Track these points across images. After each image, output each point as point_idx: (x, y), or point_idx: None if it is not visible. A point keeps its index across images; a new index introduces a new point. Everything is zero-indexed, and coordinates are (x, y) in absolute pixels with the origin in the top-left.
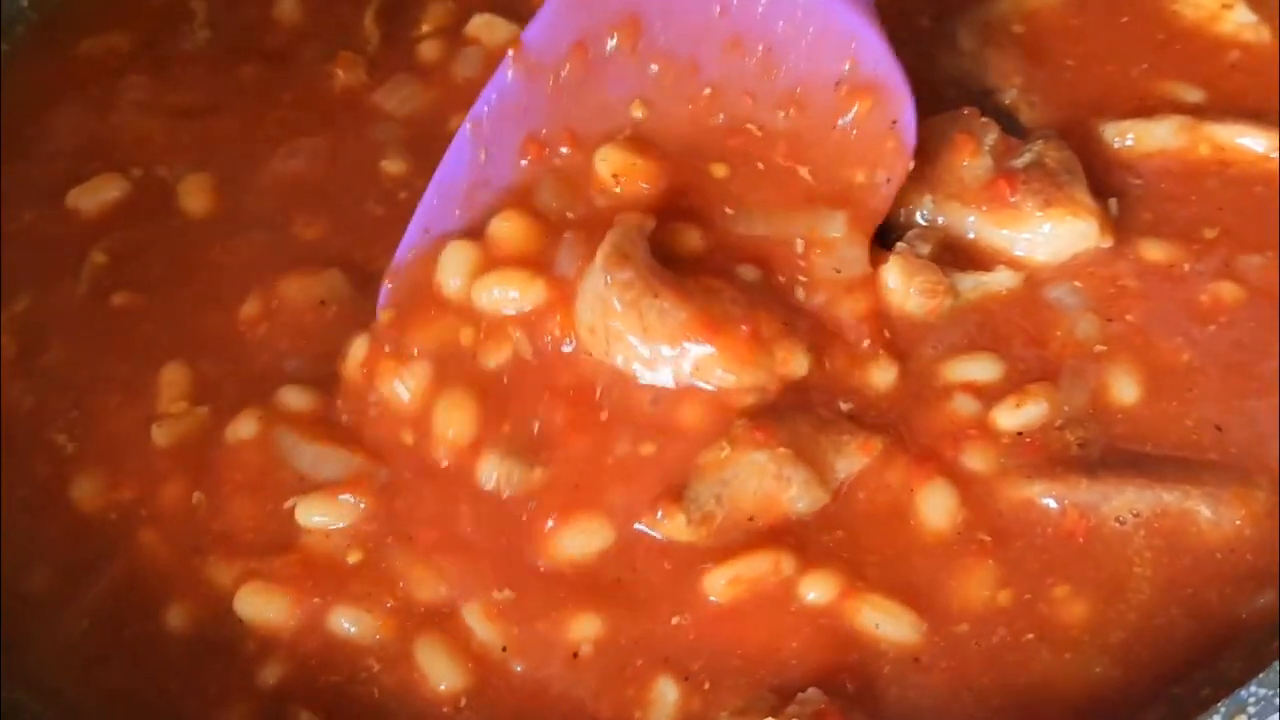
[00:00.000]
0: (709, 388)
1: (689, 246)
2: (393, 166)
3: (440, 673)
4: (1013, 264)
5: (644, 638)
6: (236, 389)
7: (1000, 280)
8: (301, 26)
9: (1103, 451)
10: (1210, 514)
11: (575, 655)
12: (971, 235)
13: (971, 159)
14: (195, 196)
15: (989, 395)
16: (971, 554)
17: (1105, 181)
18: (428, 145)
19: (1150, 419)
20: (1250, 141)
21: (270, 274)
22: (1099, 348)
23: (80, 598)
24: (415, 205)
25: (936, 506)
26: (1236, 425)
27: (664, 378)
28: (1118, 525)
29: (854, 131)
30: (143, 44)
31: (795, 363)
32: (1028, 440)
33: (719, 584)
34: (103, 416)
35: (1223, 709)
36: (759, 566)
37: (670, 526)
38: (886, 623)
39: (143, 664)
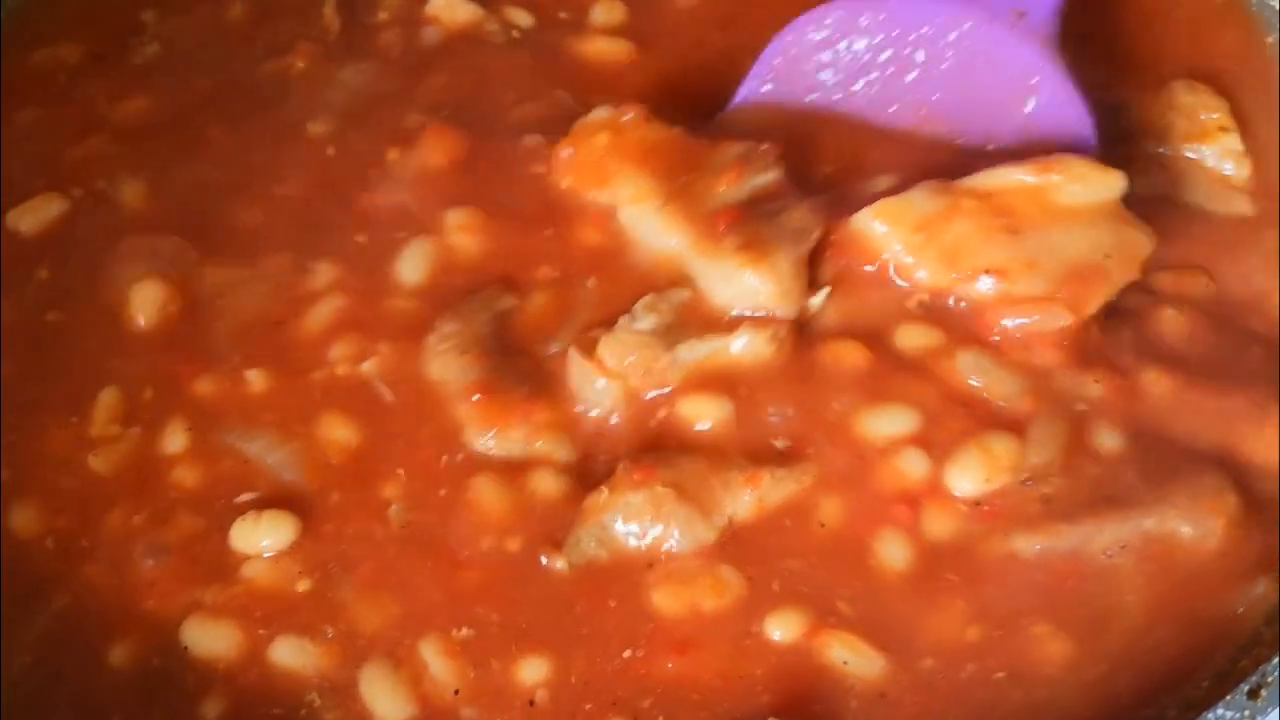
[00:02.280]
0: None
1: None
2: (317, 128)
3: (386, 707)
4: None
5: (595, 678)
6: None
7: (739, 345)
8: (254, 28)
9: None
10: (1191, 530)
11: (531, 703)
12: (685, 260)
13: (729, 186)
14: (133, 201)
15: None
16: (940, 591)
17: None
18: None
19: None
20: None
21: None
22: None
23: (23, 632)
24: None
25: (893, 554)
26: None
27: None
28: (1106, 559)
29: None
30: (92, 56)
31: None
32: (986, 508)
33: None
34: (40, 441)
35: None
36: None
37: (554, 567)
38: (855, 660)
39: (86, 699)
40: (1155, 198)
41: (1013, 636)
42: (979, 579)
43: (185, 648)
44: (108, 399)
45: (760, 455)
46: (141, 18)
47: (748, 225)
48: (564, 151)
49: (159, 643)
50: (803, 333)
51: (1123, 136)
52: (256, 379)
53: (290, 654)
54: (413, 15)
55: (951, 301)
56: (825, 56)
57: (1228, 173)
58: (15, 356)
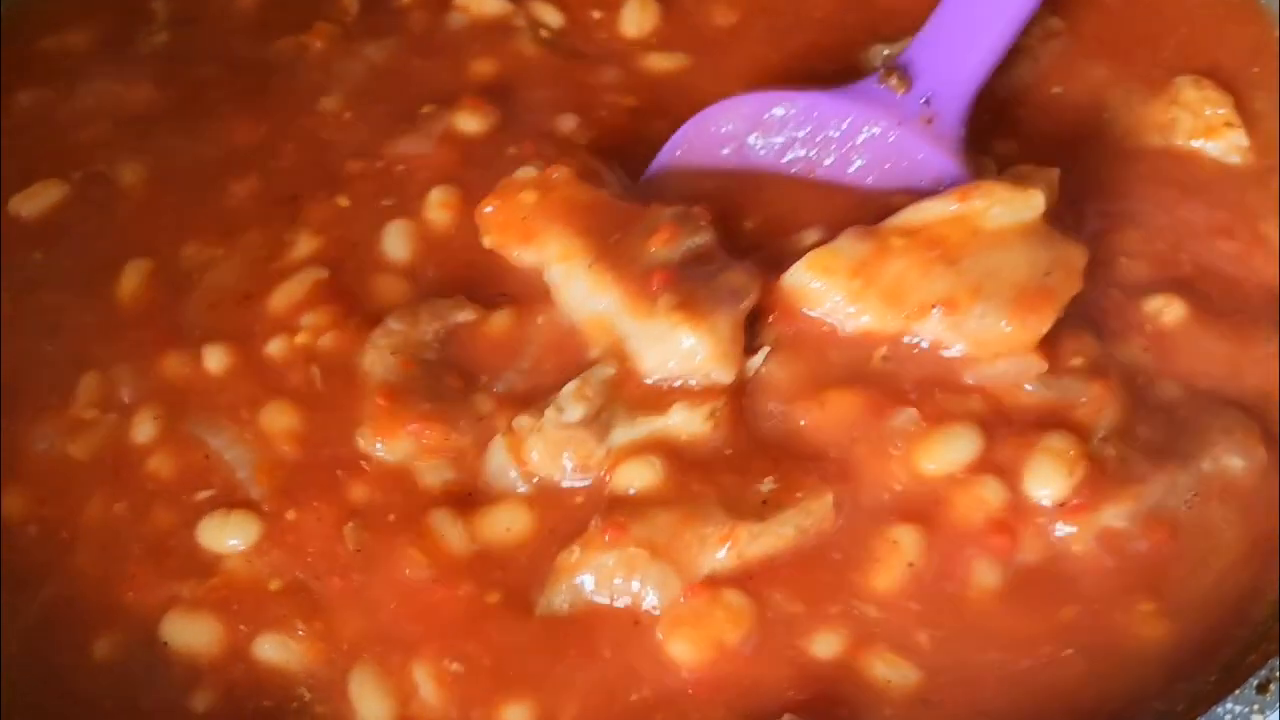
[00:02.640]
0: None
1: None
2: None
3: (369, 707)
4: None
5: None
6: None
7: (676, 421)
8: (269, 14)
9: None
10: (1242, 461)
11: None
12: (616, 321)
13: (661, 247)
14: (131, 183)
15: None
16: (1035, 599)
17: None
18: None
19: None
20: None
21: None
22: None
23: (12, 621)
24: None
25: (985, 580)
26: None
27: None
28: (1187, 510)
29: None
30: (100, 43)
31: None
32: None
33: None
34: (27, 427)
35: None
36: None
37: (528, 631)
38: (898, 676)
39: (74, 688)
40: None
41: (1110, 613)
42: (1076, 573)
43: (165, 643)
44: (89, 383)
45: (739, 506)
46: (151, 6)
47: (683, 285)
48: (486, 208)
49: (141, 636)
50: (745, 400)
51: (1127, 133)
52: (215, 357)
53: (274, 650)
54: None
55: (913, 347)
56: (734, 138)
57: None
58: (7, 340)
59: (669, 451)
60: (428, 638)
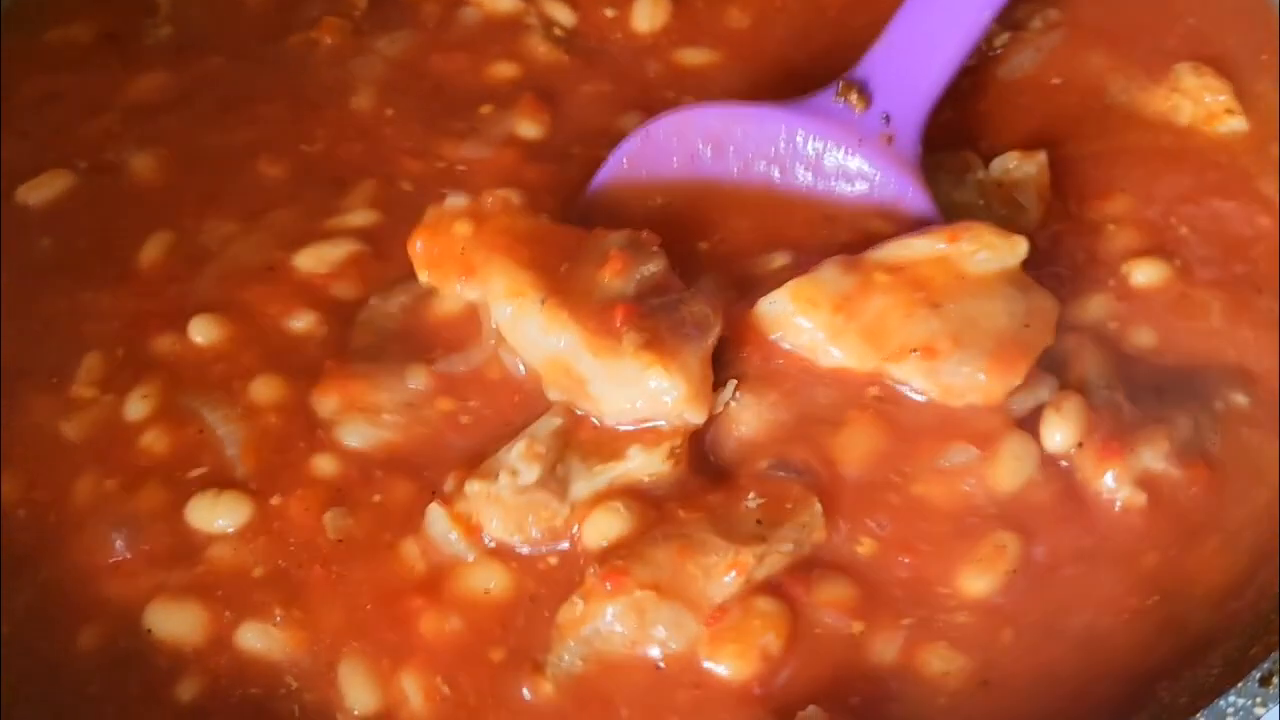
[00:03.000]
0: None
1: None
2: (360, 103)
3: (355, 694)
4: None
5: None
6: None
7: (636, 465)
8: (274, 6)
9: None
10: (1245, 397)
11: None
12: (574, 361)
13: (614, 278)
14: (144, 172)
15: None
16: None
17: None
18: (406, 84)
19: None
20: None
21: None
22: None
23: (7, 605)
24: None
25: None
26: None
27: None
28: (1221, 441)
29: None
30: (104, 36)
31: None
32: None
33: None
34: (24, 410)
35: (1202, 719)
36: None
37: (537, 692)
38: (956, 668)
39: (62, 675)
40: None
41: (1182, 558)
42: (1137, 523)
43: (148, 630)
44: (91, 363)
45: (735, 531)
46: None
47: (646, 321)
48: (416, 243)
49: (126, 624)
50: (708, 430)
51: (1125, 117)
52: (213, 328)
53: (256, 639)
54: None
55: (897, 387)
56: (684, 149)
57: None
58: (9, 323)
59: (634, 495)
60: (415, 650)
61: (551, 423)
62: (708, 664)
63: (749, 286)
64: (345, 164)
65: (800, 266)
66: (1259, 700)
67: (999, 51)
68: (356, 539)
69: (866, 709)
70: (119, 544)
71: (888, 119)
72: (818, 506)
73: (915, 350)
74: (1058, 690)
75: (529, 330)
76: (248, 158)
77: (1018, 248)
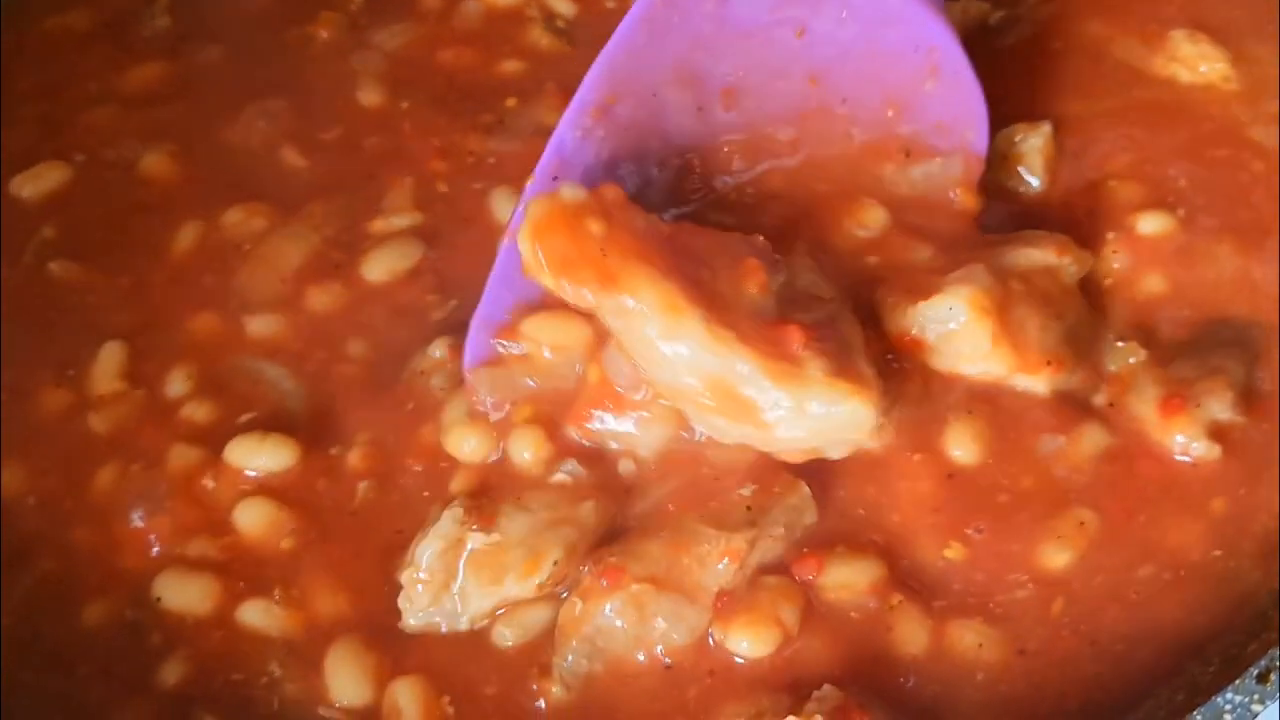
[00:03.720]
0: None
1: None
2: (369, 98)
3: (342, 686)
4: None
5: None
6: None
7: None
8: (272, 1)
9: None
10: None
11: None
12: (744, 387)
13: (760, 291)
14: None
15: None
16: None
17: None
18: (414, 78)
19: None
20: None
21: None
22: None
23: (8, 594)
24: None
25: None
26: None
27: None
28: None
29: None
30: (103, 24)
31: None
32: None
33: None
34: (34, 398)
35: (1199, 716)
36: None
37: (550, 698)
38: (989, 641)
39: (58, 654)
40: None
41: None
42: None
43: (158, 598)
44: (111, 355)
45: (724, 519)
46: None
47: (823, 344)
48: (533, 246)
49: (132, 598)
50: None
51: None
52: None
53: (258, 616)
54: None
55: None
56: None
57: None
58: (12, 315)
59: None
60: (419, 667)
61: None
62: (727, 644)
63: (849, 270)
64: (372, 159)
65: (941, 254)
66: (1256, 697)
67: (995, 23)
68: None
69: (894, 690)
70: (140, 518)
71: None
72: (805, 490)
73: (1049, 363)
74: (1099, 656)
75: (680, 350)
76: (267, 150)
77: (1087, 261)
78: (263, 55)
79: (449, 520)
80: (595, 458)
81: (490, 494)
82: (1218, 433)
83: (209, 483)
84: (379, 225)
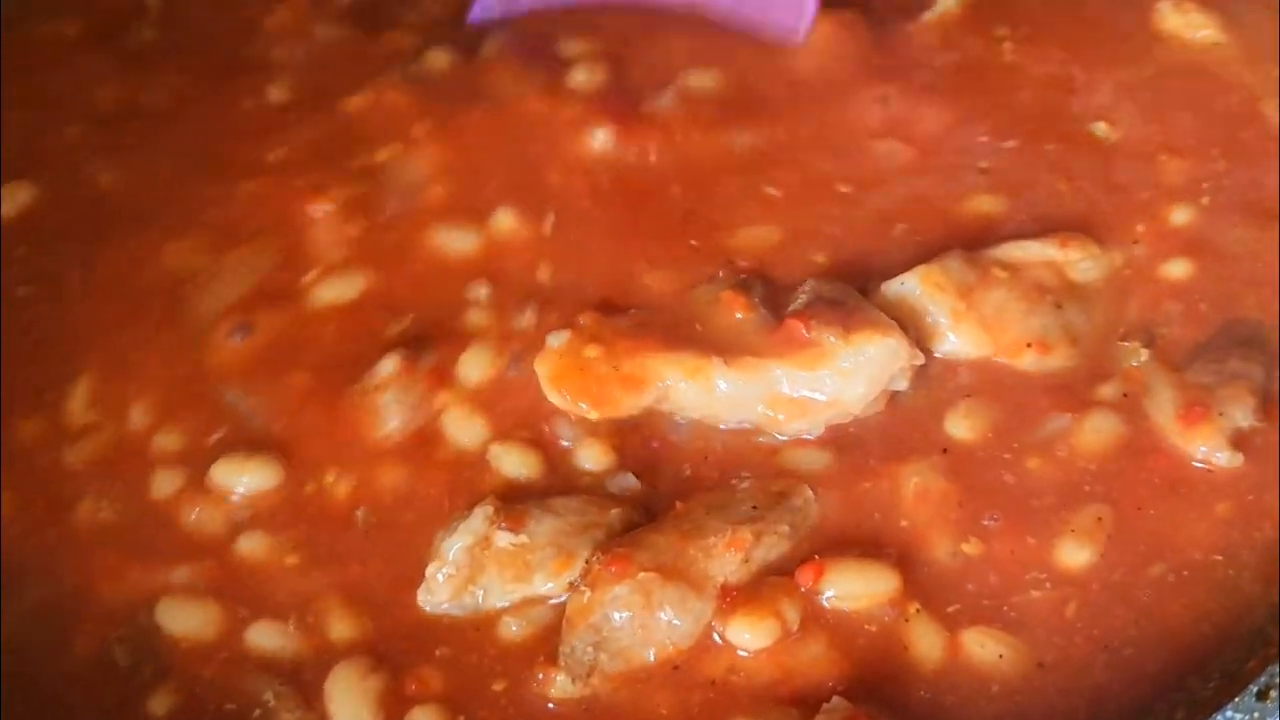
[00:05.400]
0: None
1: None
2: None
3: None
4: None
5: None
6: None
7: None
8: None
9: None
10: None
11: None
12: (792, 389)
13: (745, 313)
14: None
15: None
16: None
17: None
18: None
19: None
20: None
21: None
22: None
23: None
24: None
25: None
26: None
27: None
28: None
29: None
30: (92, 32)
31: None
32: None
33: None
34: (11, 426)
35: None
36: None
37: (556, 689)
38: (999, 646)
39: (48, 686)
40: None
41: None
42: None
43: (157, 625)
44: (84, 384)
45: (728, 512)
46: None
47: (819, 314)
48: (561, 393)
49: (124, 626)
50: None
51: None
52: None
53: (265, 638)
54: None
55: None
56: None
57: None
58: None
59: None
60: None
61: (484, 513)
62: (728, 636)
63: None
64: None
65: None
66: (1257, 715)
67: None
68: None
69: (904, 702)
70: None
71: None
72: (808, 491)
73: (1030, 345)
74: (1113, 663)
75: (723, 391)
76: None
77: (1115, 260)
78: (245, 66)
79: (479, 517)
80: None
81: (520, 496)
82: (1240, 441)
83: (194, 509)
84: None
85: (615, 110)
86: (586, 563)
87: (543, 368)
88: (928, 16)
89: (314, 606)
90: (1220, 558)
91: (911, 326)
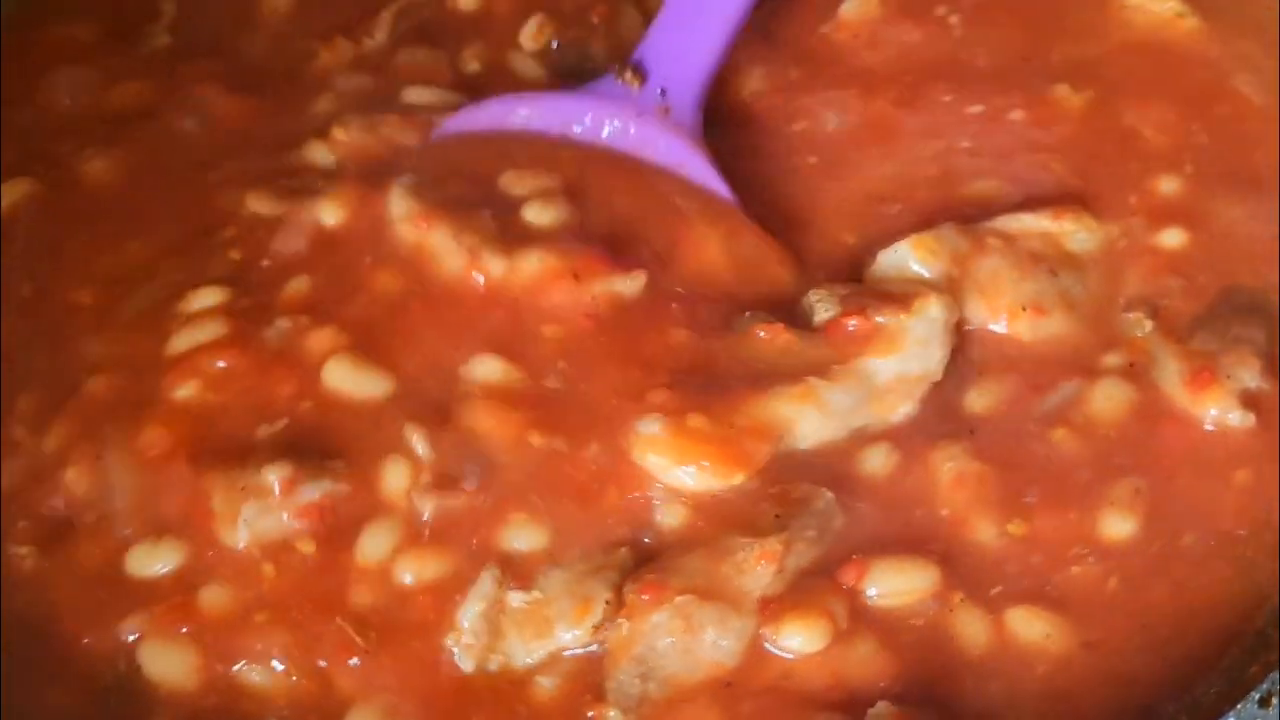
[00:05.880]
0: None
1: None
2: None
3: None
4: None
5: None
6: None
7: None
8: (286, 23)
9: None
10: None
11: None
12: (882, 378)
13: (786, 335)
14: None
15: None
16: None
17: None
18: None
19: None
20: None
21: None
22: None
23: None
24: None
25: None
26: None
27: None
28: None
29: None
30: (106, 35)
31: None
32: None
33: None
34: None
35: None
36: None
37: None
38: (1047, 625)
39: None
40: None
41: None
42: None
43: (139, 666)
44: (26, 402)
45: (755, 526)
46: (160, 5)
47: (855, 311)
48: (688, 472)
49: (111, 672)
50: None
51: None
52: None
53: (258, 676)
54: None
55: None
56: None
57: None
58: None
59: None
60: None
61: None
62: (779, 642)
63: None
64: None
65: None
66: None
67: None
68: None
69: (952, 695)
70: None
71: (664, 93)
72: (829, 494)
73: (1025, 308)
74: (1149, 644)
75: (837, 403)
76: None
77: (1111, 232)
78: (256, 71)
79: (488, 580)
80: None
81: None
82: (1250, 401)
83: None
84: None
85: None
86: (607, 603)
87: (656, 454)
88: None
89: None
90: (1244, 532)
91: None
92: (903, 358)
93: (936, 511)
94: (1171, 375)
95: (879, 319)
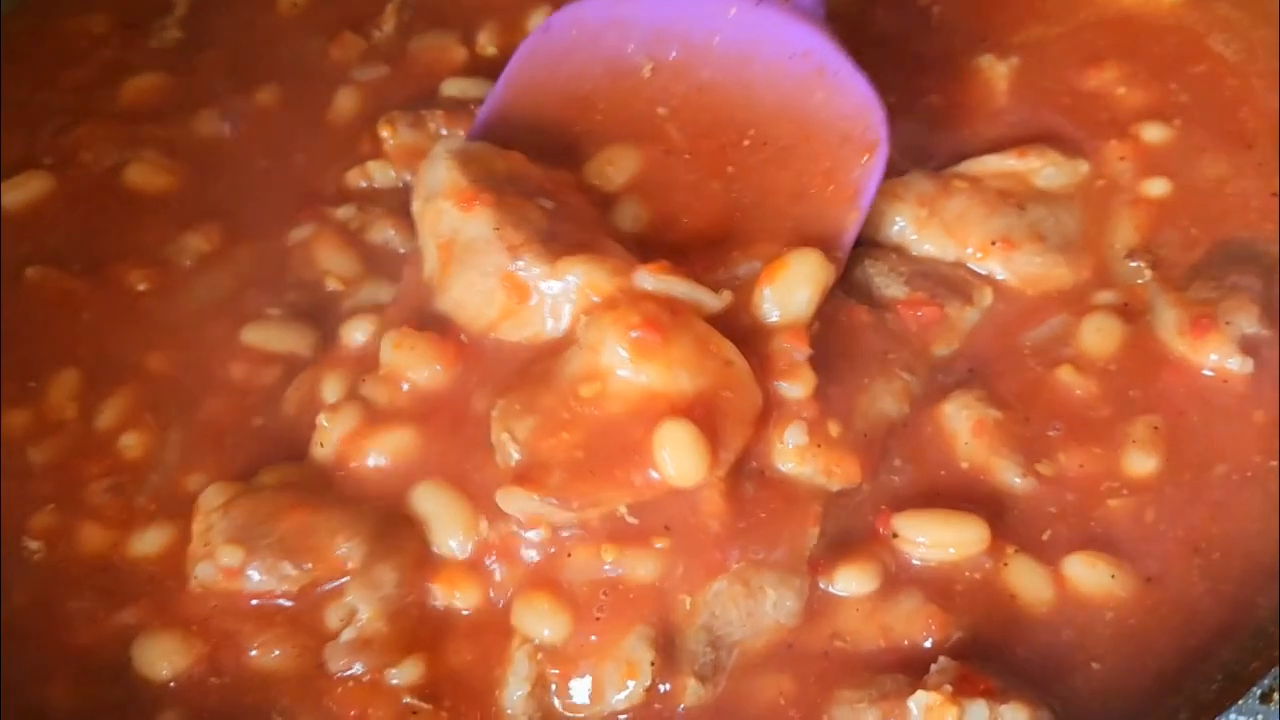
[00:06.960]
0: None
1: None
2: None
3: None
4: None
5: None
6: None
7: None
8: (299, 21)
9: None
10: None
11: None
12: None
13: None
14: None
15: None
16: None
17: None
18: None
19: None
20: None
21: None
22: None
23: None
24: None
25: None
26: None
27: None
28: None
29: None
30: (119, 27)
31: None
32: None
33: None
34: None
35: None
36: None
37: (690, 696)
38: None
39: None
40: None
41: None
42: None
43: (130, 660)
44: (66, 380)
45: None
46: None
47: (923, 284)
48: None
49: (108, 666)
50: None
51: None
52: None
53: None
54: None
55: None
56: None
57: None
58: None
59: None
60: None
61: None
62: (834, 587)
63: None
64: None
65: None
66: (1260, 718)
67: None
68: None
69: (1017, 649)
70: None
71: None
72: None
73: (995, 242)
74: (1208, 566)
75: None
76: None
77: (1081, 168)
78: (267, 69)
79: (522, 659)
80: None
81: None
82: (1249, 347)
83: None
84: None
85: None
86: (651, 664)
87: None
88: None
89: None
90: (1275, 463)
91: (884, 239)
92: (950, 342)
93: (958, 465)
94: (1169, 323)
95: (943, 307)
